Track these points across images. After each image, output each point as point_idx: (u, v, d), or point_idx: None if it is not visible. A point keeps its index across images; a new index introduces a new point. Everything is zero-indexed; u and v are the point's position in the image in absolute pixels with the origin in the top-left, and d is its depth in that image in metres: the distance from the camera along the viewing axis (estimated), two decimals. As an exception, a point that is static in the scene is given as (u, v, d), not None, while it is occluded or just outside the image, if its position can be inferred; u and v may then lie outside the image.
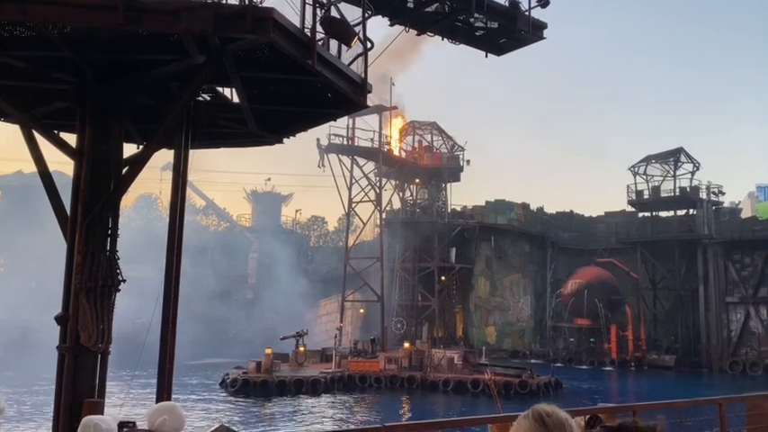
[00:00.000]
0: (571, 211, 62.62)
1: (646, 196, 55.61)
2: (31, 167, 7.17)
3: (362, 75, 7.27)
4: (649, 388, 38.33)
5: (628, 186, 56.53)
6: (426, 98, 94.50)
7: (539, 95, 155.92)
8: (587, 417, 11.36)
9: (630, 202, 56.97)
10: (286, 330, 39.28)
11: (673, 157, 54.92)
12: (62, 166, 7.55)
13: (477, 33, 14.37)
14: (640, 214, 57.47)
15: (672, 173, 54.70)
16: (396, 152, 52.84)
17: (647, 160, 55.96)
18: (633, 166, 56.40)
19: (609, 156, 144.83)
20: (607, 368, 47.88)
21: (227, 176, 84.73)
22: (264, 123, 8.18)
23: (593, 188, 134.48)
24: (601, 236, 58.03)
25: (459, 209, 58.70)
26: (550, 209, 62.38)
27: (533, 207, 60.84)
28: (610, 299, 51.20)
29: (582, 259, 55.36)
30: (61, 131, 7.28)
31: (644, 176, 56.05)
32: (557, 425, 1.78)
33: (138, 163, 6.77)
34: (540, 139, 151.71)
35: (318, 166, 48.24)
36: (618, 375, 45.53)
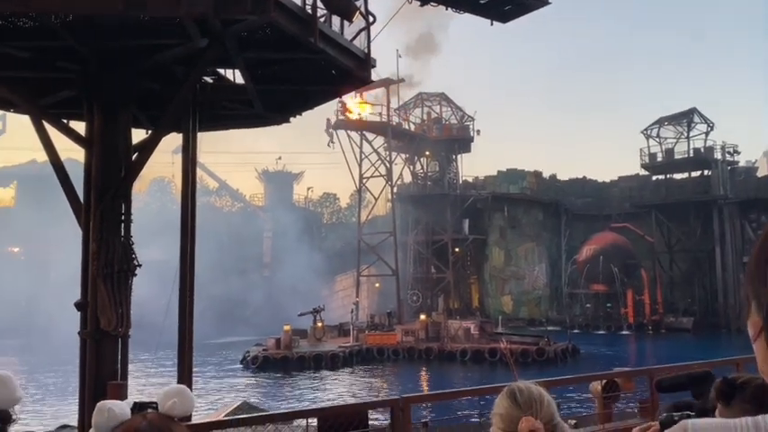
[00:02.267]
0: (584, 177, 62.16)
1: (659, 159, 55.01)
2: (43, 156, 7.24)
3: (366, 50, 7.23)
4: (667, 351, 38.38)
5: (641, 150, 55.90)
6: (433, 69, 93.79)
7: (547, 62, 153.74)
8: (604, 381, 11.44)
9: (644, 166, 56.39)
10: (303, 307, 39.68)
11: (686, 119, 54.15)
12: (75, 153, 7.62)
13: (480, 1, 14.15)
14: (654, 177, 56.93)
15: (685, 134, 53.98)
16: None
17: (660, 122, 55.23)
18: (646, 129, 55.69)
19: (621, 120, 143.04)
20: (624, 333, 47.97)
21: (238, 157, 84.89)
22: (270, 103, 8.18)
23: (606, 153, 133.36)
24: (615, 201, 57.65)
25: (470, 180, 58.47)
26: (563, 176, 62.05)
27: (546, 175, 60.47)
28: (625, 263, 51.06)
29: (596, 225, 55.11)
30: (70, 120, 7.34)
31: (657, 139, 55.38)
32: (527, 401, 1.82)
33: (148, 148, 6.82)
34: (550, 106, 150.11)
35: (328, 145, 48.13)
36: (635, 339, 45.63)
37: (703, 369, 2.45)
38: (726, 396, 3.08)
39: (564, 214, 57.49)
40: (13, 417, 1.33)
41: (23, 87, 6.78)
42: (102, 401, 1.42)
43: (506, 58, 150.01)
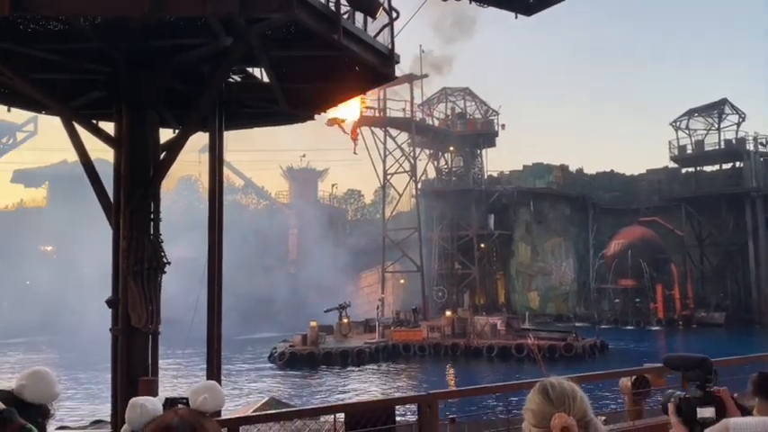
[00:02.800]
0: (612, 171, 61.34)
1: (689, 151, 54.00)
2: (74, 157, 7.38)
3: (389, 46, 7.21)
4: (699, 346, 37.67)
5: (669, 142, 54.94)
6: (458, 64, 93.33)
7: (572, 53, 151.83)
8: (634, 377, 11.28)
9: (673, 158, 55.41)
10: (328, 303, 39.89)
11: (716, 110, 53.04)
12: (104, 153, 7.75)
13: (505, -6, 14.00)
14: (684, 170, 55.92)
15: (716, 126, 52.90)
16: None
17: (690, 114, 54.19)
18: (675, 121, 54.70)
19: (649, 112, 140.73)
20: (654, 328, 47.26)
21: (263, 155, 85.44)
22: (295, 101, 8.21)
23: (634, 146, 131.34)
24: (643, 194, 56.78)
25: (495, 175, 58.12)
26: (590, 169, 61.31)
27: (572, 168, 59.80)
28: (654, 258, 50.24)
29: (624, 219, 54.33)
30: (100, 120, 7.46)
31: (686, 131, 54.36)
32: (559, 397, 1.80)
33: (175, 147, 6.90)
34: (576, 99, 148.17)
35: (354, 152, 48.03)
36: (665, 335, 44.91)
37: (701, 355, 2.47)
38: (763, 390, 3.03)
39: (591, 208, 56.78)
40: (52, 412, 1.36)
41: (54, 89, 6.91)
42: (134, 398, 1.44)
43: (531, 51, 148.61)
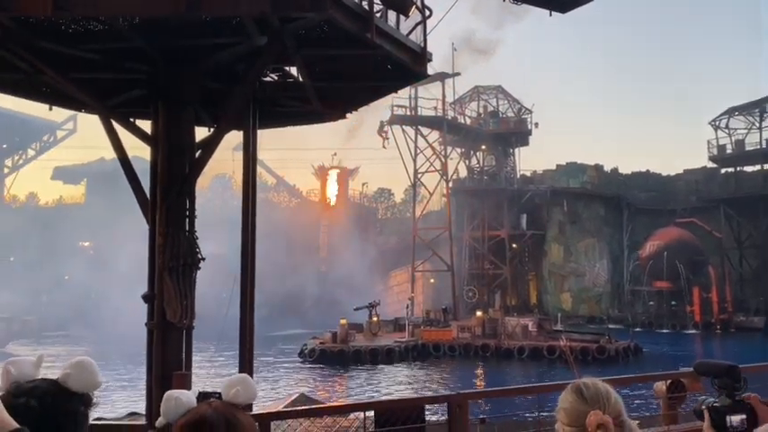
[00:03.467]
0: (647, 171, 60.17)
1: (729, 151, 52.65)
2: (111, 154, 7.54)
3: (422, 44, 7.19)
4: (738, 351, 36.71)
5: (708, 141, 53.66)
6: (490, 62, 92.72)
7: (608, 50, 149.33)
8: (669, 381, 11.06)
9: (712, 158, 54.09)
10: (358, 302, 40.02)
11: (758, 108, 51.60)
12: (141, 151, 7.91)
13: (539, -9, 13.83)
14: (723, 170, 54.55)
15: (757, 125, 51.48)
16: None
17: (730, 113, 52.83)
18: (714, 120, 53.39)
19: (687, 110, 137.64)
20: (690, 332, 46.21)
21: (294, 153, 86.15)
22: (327, 99, 8.25)
23: (671, 145, 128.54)
24: (680, 195, 55.57)
25: (528, 174, 57.54)
26: (625, 169, 60.29)
27: (607, 168, 58.88)
28: (691, 260, 49.11)
29: (660, 220, 53.23)
30: (137, 118, 7.60)
31: (726, 130, 53.01)
32: (593, 396, 1.80)
33: (210, 146, 7.00)
34: (611, 97, 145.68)
35: (383, 146, 48.18)
36: (702, 339, 43.89)
37: (729, 363, 2.45)
38: None
39: (626, 209, 55.77)
40: (94, 401, 1.40)
41: (93, 88, 7.06)
42: (169, 391, 1.47)
43: (566, 48, 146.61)
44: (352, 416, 11.75)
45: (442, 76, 47.24)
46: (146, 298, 6.85)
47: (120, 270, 44.92)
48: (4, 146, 66.00)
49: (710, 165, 55.20)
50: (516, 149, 55.06)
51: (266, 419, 5.80)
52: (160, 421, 1.42)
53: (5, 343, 38.87)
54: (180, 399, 1.39)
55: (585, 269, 53.82)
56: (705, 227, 51.29)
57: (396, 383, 29.29)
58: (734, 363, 2.47)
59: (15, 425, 1.02)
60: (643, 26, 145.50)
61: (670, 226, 51.70)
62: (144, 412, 8.35)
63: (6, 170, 69.31)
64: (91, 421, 1.42)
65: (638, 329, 43.28)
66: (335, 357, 33.36)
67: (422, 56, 7.15)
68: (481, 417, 10.33)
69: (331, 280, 54.14)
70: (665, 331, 46.63)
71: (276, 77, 8.11)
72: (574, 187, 55.05)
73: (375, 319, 38.54)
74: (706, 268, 49.20)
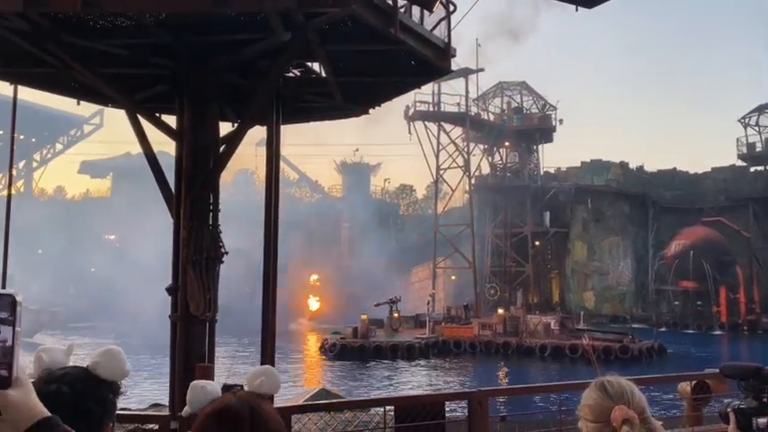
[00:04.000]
0: (674, 169, 59.22)
1: (758, 149, 51.63)
2: (137, 149, 7.65)
3: (446, 39, 7.16)
4: (765, 352, 36.03)
5: (738, 139, 52.66)
6: (515, 58, 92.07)
7: (634, 46, 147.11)
8: (694, 382, 10.90)
9: (741, 156, 53.08)
10: (379, 297, 40.08)
11: (789, 105, 50.49)
12: (166, 146, 8.00)
13: (565, -14, 13.66)
14: (752, 168, 53.49)
15: (789, 122, 50.35)
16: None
17: (760, 110, 51.77)
18: (744, 117, 52.37)
19: (716, 107, 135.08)
20: (716, 332, 45.46)
21: (316, 149, 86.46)
22: (350, 95, 8.26)
23: (699, 143, 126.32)
24: (708, 193, 54.62)
25: (552, 171, 57.03)
26: (651, 167, 59.49)
27: (632, 166, 58.11)
28: (718, 260, 48.25)
29: (687, 219, 52.37)
30: (162, 114, 7.70)
31: (756, 128, 51.98)
32: (617, 392, 1.80)
33: (234, 141, 7.05)
34: (638, 93, 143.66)
35: (409, 132, 48.17)
36: (728, 340, 43.12)
37: (756, 364, 2.43)
38: None
39: (651, 207, 54.98)
40: (122, 389, 1.43)
41: (120, 83, 7.17)
42: (194, 381, 1.49)
43: (591, 44, 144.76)
44: (372, 411, 11.77)
45: (465, 72, 47.01)
46: (169, 290, 6.94)
47: (144, 263, 45.60)
48: (33, 140, 67.29)
49: (739, 163, 54.15)
50: (540, 146, 54.61)
51: (287, 413, 5.85)
52: (186, 410, 1.45)
53: (34, 333, 39.72)
54: (206, 388, 1.41)
55: (609, 268, 53.21)
56: (733, 226, 50.35)
57: (416, 379, 29.30)
58: (761, 365, 2.44)
59: (47, 413, 1.04)
60: (672, 18, 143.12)
61: (697, 225, 50.85)
62: (167, 403, 8.47)
63: (35, 164, 70.74)
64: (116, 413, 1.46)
65: (662, 329, 42.70)
66: (356, 352, 33.49)
67: (446, 51, 7.13)
68: (501, 415, 10.28)
69: (352, 276, 54.30)
70: (690, 332, 45.93)
71: (298, 73, 8.14)
72: (598, 185, 54.42)
73: (396, 315, 38.58)
74: (733, 268, 48.32)
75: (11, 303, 1.02)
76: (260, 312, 7.61)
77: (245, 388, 1.45)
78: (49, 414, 1.04)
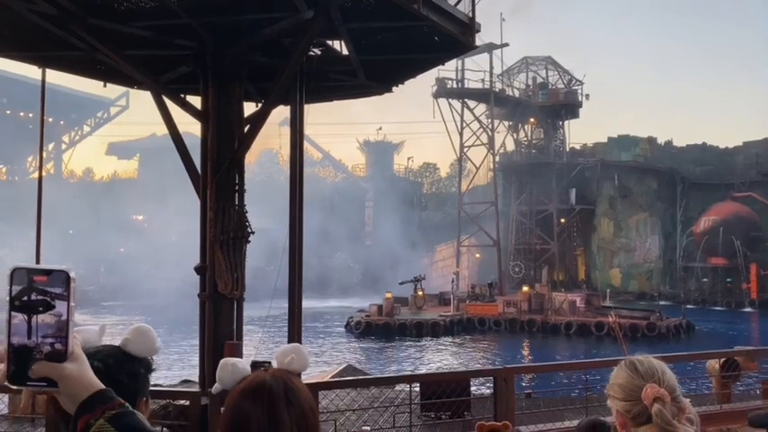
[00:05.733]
0: (704, 143, 57.95)
1: (792, 122, 50.16)
2: (163, 130, 7.72)
3: (470, 14, 7.05)
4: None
5: (770, 112, 51.18)
6: (540, 32, 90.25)
7: (662, 17, 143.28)
8: (723, 360, 10.79)
9: (774, 130, 51.66)
10: (403, 276, 40.23)
11: (825, 76, 48.84)
12: (191, 126, 8.08)
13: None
14: (786, 142, 52.10)
15: (824, 94, 48.77)
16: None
17: (794, 81, 50.17)
18: (777, 90, 50.83)
19: (747, 80, 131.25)
20: (746, 310, 44.78)
21: (340, 128, 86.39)
22: (373, 73, 8.21)
23: (729, 117, 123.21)
24: (739, 168, 53.40)
25: (578, 147, 56.26)
26: (680, 142, 58.28)
27: (661, 141, 57.00)
28: (749, 236, 47.33)
29: (717, 194, 51.35)
30: (187, 95, 7.75)
31: (790, 100, 50.43)
32: (648, 371, 1.79)
33: (258, 120, 7.08)
34: (667, 67, 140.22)
35: (434, 117, 47.87)
36: (759, 317, 42.45)
37: None
38: None
39: (680, 183, 53.97)
40: (153, 366, 1.47)
41: (146, 65, 7.22)
42: (224, 359, 1.52)
43: (618, 14, 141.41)
44: (398, 387, 11.92)
45: (489, 48, 46.36)
46: (198, 270, 7.05)
47: (171, 243, 46.36)
48: (62, 122, 68.38)
49: (773, 136, 52.81)
50: (566, 122, 53.84)
51: (314, 389, 5.94)
52: (216, 387, 1.48)
53: (67, 312, 40.75)
54: (237, 366, 1.44)
55: (636, 245, 52.58)
56: (764, 201, 49.25)
57: (440, 357, 29.47)
58: None
59: (101, 386, 1.09)
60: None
61: (727, 200, 49.85)
62: (197, 380, 8.66)
63: (64, 146, 71.99)
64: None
65: (690, 306, 42.22)
66: (381, 330, 33.76)
67: (470, 27, 7.03)
68: (527, 392, 10.31)
69: (376, 254, 54.55)
70: (718, 309, 45.32)
71: (319, 52, 8.10)
72: (625, 161, 53.54)
73: (420, 293, 38.71)
74: (764, 244, 47.39)
75: (65, 279, 1.06)
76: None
77: (275, 365, 1.48)
78: (104, 387, 1.09)
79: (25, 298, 1.04)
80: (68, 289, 1.06)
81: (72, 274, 1.07)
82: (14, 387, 1.06)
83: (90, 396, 1.07)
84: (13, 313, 1.03)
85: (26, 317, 1.03)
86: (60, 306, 1.05)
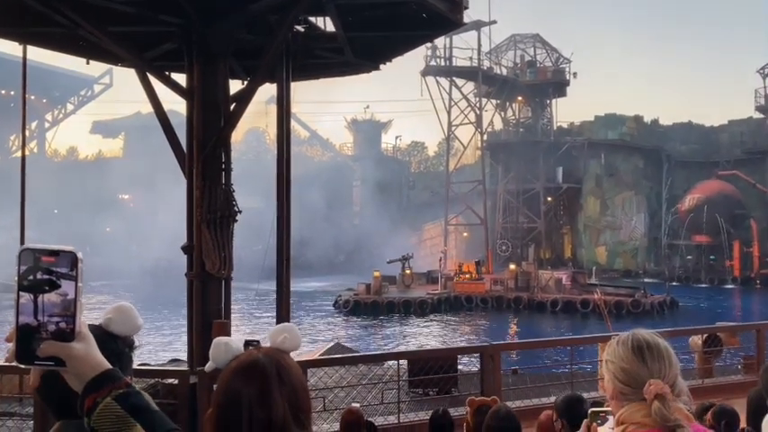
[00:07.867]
0: (689, 122, 58.19)
1: (777, 101, 50.50)
2: (147, 108, 7.62)
3: (458, -9, 6.99)
4: (776, 307, 36.10)
5: (756, 91, 51.52)
6: (527, 9, 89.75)
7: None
8: (705, 336, 10.95)
9: (759, 108, 52.02)
10: (391, 255, 40.32)
11: (811, 55, 49.10)
12: (176, 105, 7.98)
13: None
14: (770, 121, 52.47)
15: (809, 72, 49.10)
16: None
17: (780, 60, 50.42)
18: (762, 68, 51.10)
19: (732, 58, 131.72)
20: (729, 286, 45.48)
21: (327, 107, 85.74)
22: (360, 51, 8.14)
23: (715, 96, 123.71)
24: (724, 147, 53.80)
25: (565, 126, 56.30)
26: (666, 120, 58.40)
27: (647, 119, 57.14)
28: (732, 214, 47.85)
29: (702, 173, 51.75)
30: (172, 72, 7.64)
31: (775, 78, 50.74)
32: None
33: (244, 98, 7.02)
34: (652, 46, 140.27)
35: (421, 95, 47.56)
36: (741, 294, 43.14)
37: None
38: None
39: (666, 161, 54.29)
40: (136, 343, 1.48)
41: (129, 42, 7.10)
42: (217, 337, 1.52)
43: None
44: (386, 364, 12.02)
45: (477, 25, 46.00)
46: (185, 249, 7.03)
47: (158, 222, 46.02)
48: (44, 100, 67.23)
49: (757, 115, 53.12)
50: (553, 100, 53.79)
51: (303, 367, 5.96)
52: (209, 366, 1.48)
53: (53, 292, 40.49)
54: (229, 344, 1.44)
55: (622, 223, 53.00)
56: (748, 180, 49.72)
57: (428, 334, 29.72)
58: None
59: (108, 365, 1.11)
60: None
61: (711, 179, 50.29)
62: (185, 358, 8.68)
63: (47, 124, 70.86)
64: (135, 366, 1.50)
65: (674, 284, 42.77)
66: (369, 309, 33.93)
67: (458, 3, 6.97)
68: (513, 368, 10.45)
69: (364, 233, 54.56)
70: (702, 286, 45.98)
71: (303, 29, 8.01)
72: (612, 139, 53.70)
73: (408, 271, 38.87)
74: (748, 222, 47.97)
75: (72, 260, 1.07)
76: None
77: (268, 344, 1.48)
78: (111, 366, 1.10)
79: (31, 277, 1.05)
80: (76, 269, 1.07)
81: (80, 255, 1.08)
82: (22, 366, 1.07)
83: (97, 375, 1.09)
84: (20, 293, 1.04)
85: (32, 296, 1.04)
86: (67, 286, 1.06)
